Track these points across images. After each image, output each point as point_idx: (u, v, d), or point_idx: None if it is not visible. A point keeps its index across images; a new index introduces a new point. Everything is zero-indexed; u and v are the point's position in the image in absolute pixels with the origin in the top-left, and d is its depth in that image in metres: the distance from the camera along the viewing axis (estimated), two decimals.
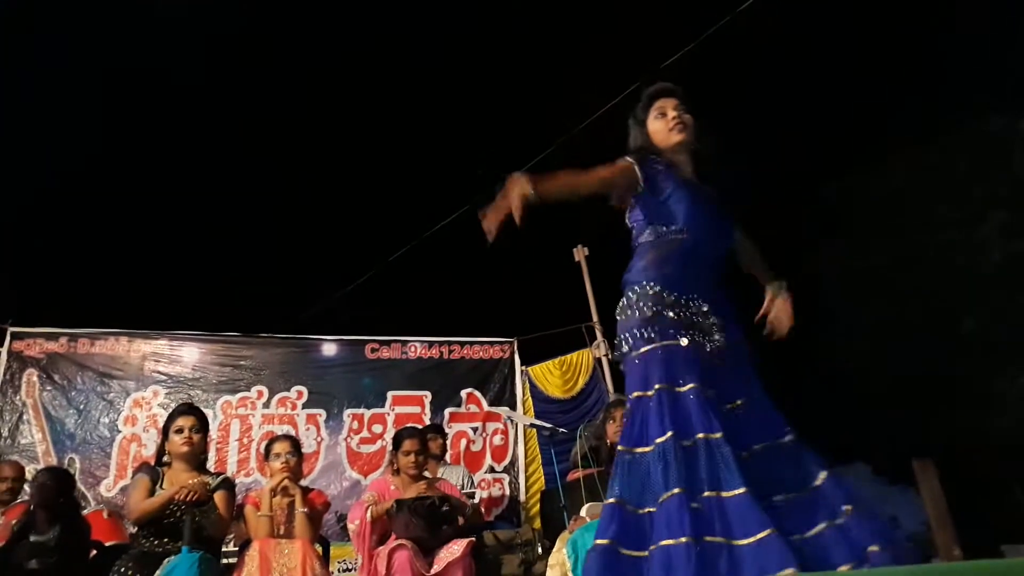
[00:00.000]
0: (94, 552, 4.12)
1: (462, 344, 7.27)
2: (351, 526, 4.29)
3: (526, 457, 6.90)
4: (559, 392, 7.11)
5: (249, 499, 4.05)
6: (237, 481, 4.83)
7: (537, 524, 6.29)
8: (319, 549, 3.94)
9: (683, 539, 1.97)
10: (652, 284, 2.40)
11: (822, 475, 2.24)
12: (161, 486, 3.73)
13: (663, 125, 2.66)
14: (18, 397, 6.08)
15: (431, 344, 7.18)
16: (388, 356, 7.04)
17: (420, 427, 5.36)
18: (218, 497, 3.76)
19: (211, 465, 4.69)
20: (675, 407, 2.22)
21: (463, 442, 6.80)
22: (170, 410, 4.36)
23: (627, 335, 2.41)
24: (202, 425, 3.98)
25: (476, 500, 5.57)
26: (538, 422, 6.20)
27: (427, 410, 6.84)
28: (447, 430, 6.51)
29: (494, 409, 6.97)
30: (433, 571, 3.88)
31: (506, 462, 6.85)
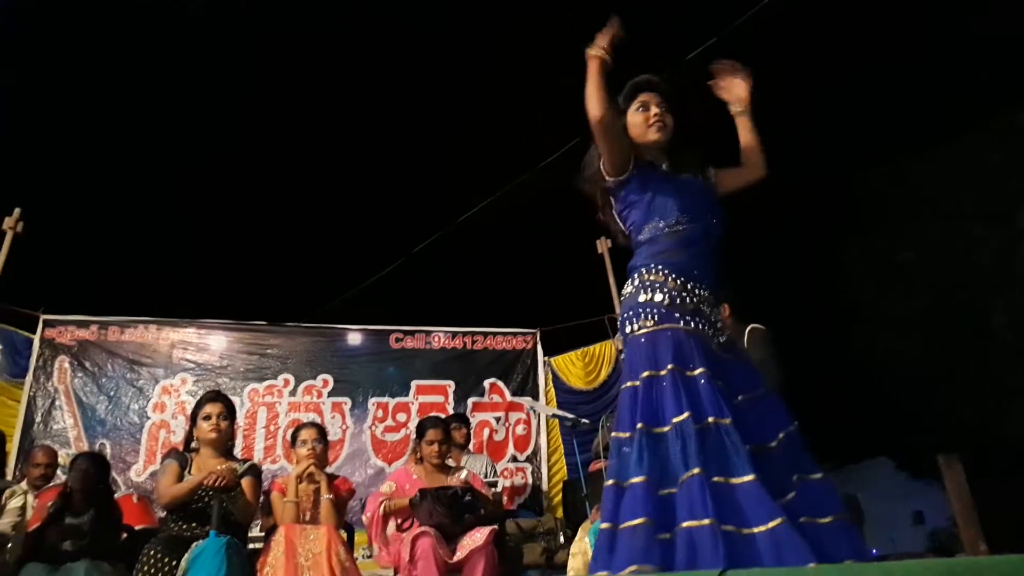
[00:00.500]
0: (125, 535, 4.21)
1: (485, 335, 7.30)
2: (364, 516, 4.35)
3: (548, 447, 6.93)
4: (581, 383, 7.13)
5: (275, 485, 4.11)
6: (264, 468, 4.89)
7: (559, 513, 6.32)
8: (344, 535, 3.99)
9: (707, 521, 1.96)
10: (659, 268, 2.39)
11: (815, 476, 2.21)
12: (189, 472, 3.79)
13: (642, 119, 2.59)
14: (50, 383, 6.20)
15: (455, 334, 7.22)
16: (412, 346, 7.09)
17: (444, 416, 5.41)
18: (245, 483, 3.82)
19: (238, 452, 4.77)
20: (688, 389, 2.19)
21: (486, 431, 6.84)
22: (198, 397, 4.43)
23: (631, 313, 2.37)
24: (229, 412, 4.04)
25: (499, 489, 5.60)
26: (560, 412, 6.22)
27: (450, 399, 6.89)
28: (470, 419, 6.55)
29: (517, 399, 7.00)
30: (456, 558, 3.92)
31: (528, 451, 6.89)
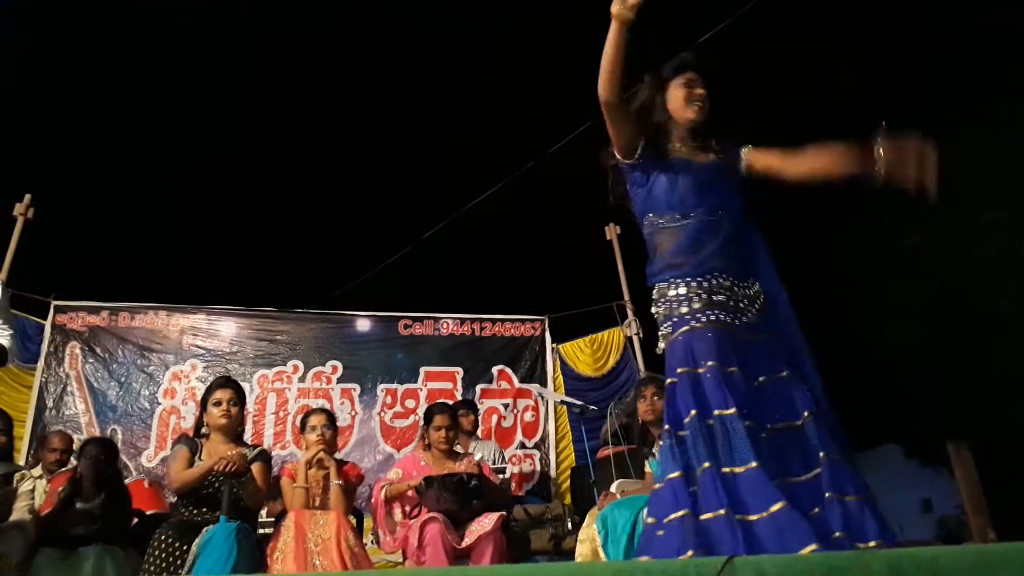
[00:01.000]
0: (136, 520, 4.24)
1: (494, 321, 7.31)
2: (371, 502, 4.37)
3: (557, 434, 6.94)
4: (590, 370, 7.13)
5: (285, 471, 4.12)
6: (273, 453, 4.92)
7: (567, 500, 6.34)
8: (353, 520, 4.01)
9: (722, 511, 2.02)
10: (673, 280, 2.44)
11: (838, 457, 2.24)
12: (199, 457, 3.81)
13: (684, 95, 2.60)
14: (62, 369, 6.24)
15: (463, 321, 7.23)
16: (421, 332, 7.11)
17: (452, 403, 5.42)
18: (255, 468, 3.84)
19: (248, 437, 4.79)
20: (696, 387, 2.27)
21: (494, 418, 6.86)
22: (208, 383, 4.45)
23: (661, 332, 2.46)
24: (239, 398, 4.06)
25: (507, 475, 5.62)
26: (568, 399, 6.23)
27: (459, 386, 6.91)
28: (478, 406, 6.57)
29: (525, 386, 7.01)
30: (464, 544, 3.94)
31: (537, 438, 6.90)
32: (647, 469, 4.12)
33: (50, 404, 6.09)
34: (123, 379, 6.34)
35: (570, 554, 4.57)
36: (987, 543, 4.77)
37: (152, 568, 3.42)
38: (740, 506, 2.04)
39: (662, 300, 2.47)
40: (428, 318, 7.18)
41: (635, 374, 6.78)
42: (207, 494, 3.69)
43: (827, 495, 2.11)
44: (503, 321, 7.32)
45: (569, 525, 5.16)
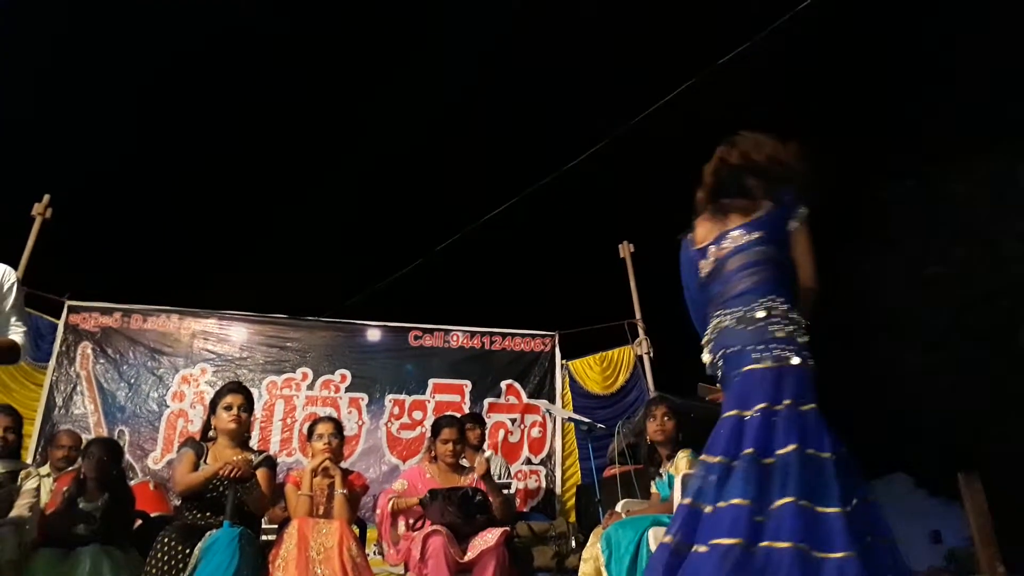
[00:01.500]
0: (139, 522, 4.24)
1: (504, 335, 7.31)
2: (376, 513, 4.36)
3: (563, 450, 6.92)
4: (598, 388, 7.11)
5: (290, 478, 4.12)
6: (279, 460, 4.92)
7: (572, 517, 6.32)
8: (356, 530, 3.99)
9: (788, 544, 2.09)
10: (781, 301, 2.50)
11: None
12: (205, 461, 3.82)
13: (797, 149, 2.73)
14: (73, 369, 6.27)
15: (473, 334, 7.23)
16: (431, 344, 7.11)
17: (459, 416, 5.40)
18: (260, 474, 3.84)
19: (254, 443, 4.80)
20: (800, 422, 2.35)
21: (501, 433, 6.84)
22: (217, 387, 4.46)
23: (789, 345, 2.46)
24: (249, 404, 4.07)
25: (512, 491, 5.59)
26: (576, 416, 6.20)
27: (467, 399, 6.90)
28: (486, 420, 6.55)
29: (533, 401, 7.00)
30: (467, 558, 3.91)
31: (543, 454, 6.88)
32: (653, 490, 4.10)
33: (59, 403, 6.12)
34: (133, 381, 6.36)
35: (573, 572, 4.55)
36: None
37: (154, 570, 3.41)
38: (817, 544, 2.07)
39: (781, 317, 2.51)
40: (438, 330, 7.19)
41: (644, 394, 6.76)
42: (211, 498, 3.69)
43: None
44: (513, 336, 7.32)
45: (573, 543, 5.13)
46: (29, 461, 5.25)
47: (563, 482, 6.79)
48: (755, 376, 2.39)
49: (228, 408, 3.96)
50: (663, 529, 3.46)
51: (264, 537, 4.06)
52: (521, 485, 6.60)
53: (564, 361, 7.29)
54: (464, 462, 4.68)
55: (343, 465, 4.28)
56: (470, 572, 3.92)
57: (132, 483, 5.21)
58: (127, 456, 5.77)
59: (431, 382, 6.92)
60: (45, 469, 4.56)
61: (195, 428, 5.85)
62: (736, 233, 2.63)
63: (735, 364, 2.47)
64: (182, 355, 6.57)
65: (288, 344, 6.83)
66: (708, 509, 2.26)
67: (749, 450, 2.25)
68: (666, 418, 4.09)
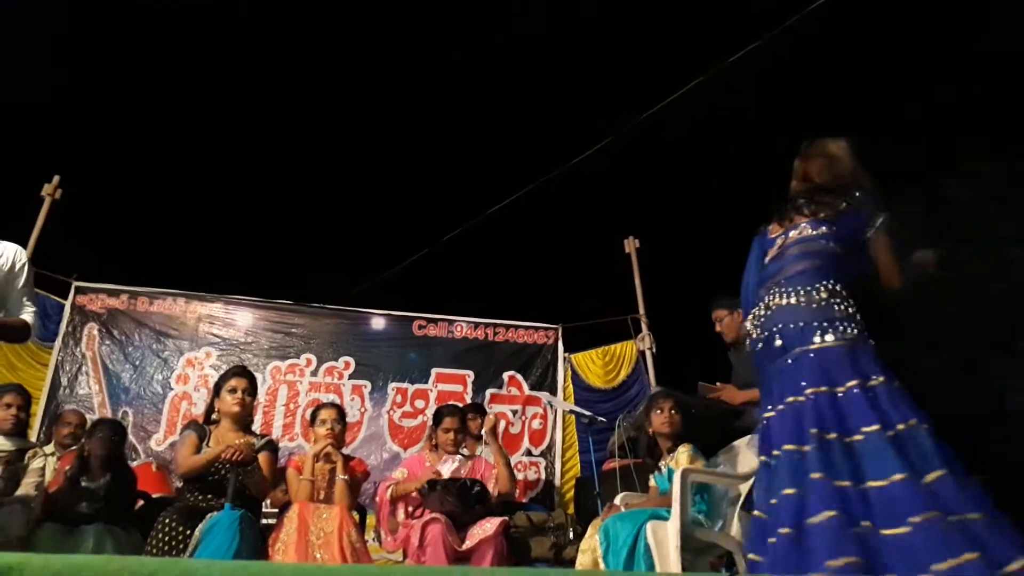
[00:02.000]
0: (141, 502, 4.28)
1: (507, 327, 7.33)
2: (376, 500, 4.39)
3: (564, 443, 6.94)
4: (600, 381, 7.12)
5: (292, 463, 4.15)
6: (281, 445, 4.96)
7: (571, 509, 6.34)
8: (356, 516, 4.02)
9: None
10: (842, 285, 2.60)
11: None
12: (208, 444, 3.85)
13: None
14: (79, 349, 6.31)
15: (477, 325, 7.25)
16: (435, 334, 7.14)
17: (461, 405, 5.43)
18: (262, 458, 3.87)
19: (257, 427, 4.82)
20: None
21: (502, 423, 6.86)
22: (222, 371, 4.49)
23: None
24: (252, 388, 4.11)
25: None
26: (577, 409, 6.22)
27: (469, 389, 6.92)
28: (488, 410, 6.58)
29: (535, 393, 7.02)
30: (465, 546, 3.94)
31: (543, 446, 6.90)
32: (652, 483, 4.12)
33: (64, 383, 6.16)
34: (138, 362, 6.40)
35: (570, 563, 4.57)
36: None
37: (154, 551, 3.44)
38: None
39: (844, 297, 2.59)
40: (443, 320, 7.21)
41: (645, 388, 6.77)
42: (213, 481, 3.72)
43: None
44: (517, 327, 7.34)
45: (571, 535, 5.16)
46: (35, 440, 5.28)
47: (563, 474, 6.82)
48: (835, 352, 2.45)
49: (232, 391, 3.99)
50: (661, 523, 3.49)
51: (265, 520, 4.09)
52: (521, 476, 6.62)
53: (567, 354, 7.30)
54: (464, 451, 4.71)
55: (345, 451, 4.31)
56: (468, 560, 3.95)
57: (135, 464, 5.26)
58: (130, 437, 5.81)
59: (434, 371, 6.95)
60: (49, 448, 4.60)
61: (198, 411, 5.88)
62: (805, 225, 2.77)
63: (798, 340, 2.53)
64: (187, 338, 6.60)
65: (293, 330, 6.86)
66: (817, 478, 2.25)
67: (874, 426, 2.26)
68: (673, 412, 4.11)
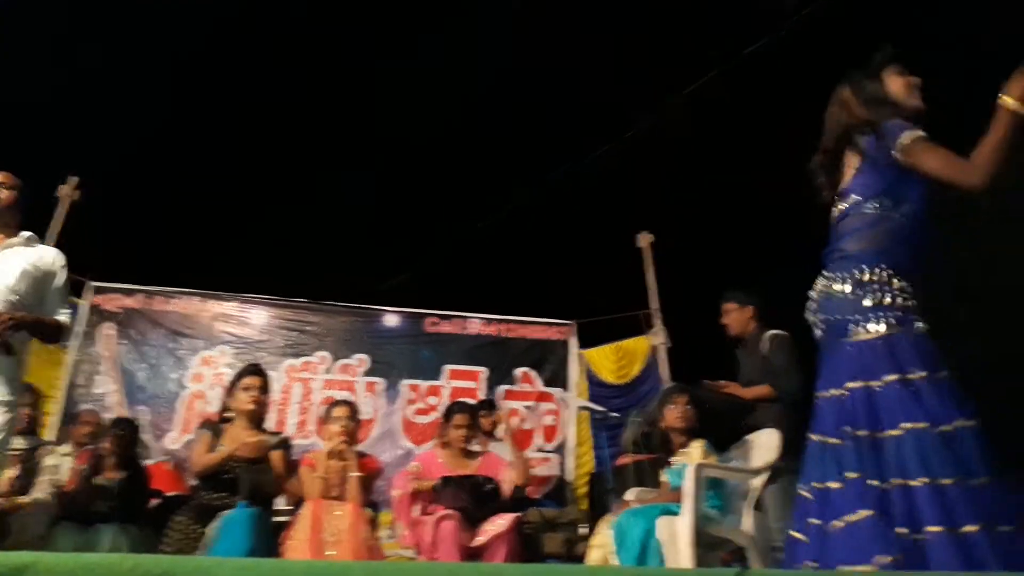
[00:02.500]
0: (156, 501, 4.32)
1: (521, 323, 7.32)
2: (394, 493, 4.40)
3: (577, 439, 6.92)
4: (613, 377, 7.09)
5: (305, 460, 4.17)
6: (294, 443, 4.99)
7: (584, 505, 6.33)
8: (369, 513, 4.04)
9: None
10: (884, 268, 2.37)
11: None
12: (222, 442, 3.88)
13: (905, 85, 2.54)
14: (95, 349, 6.35)
15: (490, 321, 7.25)
16: (447, 331, 7.14)
17: (473, 402, 5.44)
18: (275, 456, 3.90)
19: (271, 425, 4.85)
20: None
21: (515, 420, 6.85)
22: (237, 370, 4.52)
23: (860, 316, 2.36)
24: (266, 387, 4.16)
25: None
26: (591, 405, 6.21)
27: (482, 386, 6.92)
28: (500, 406, 6.58)
29: (548, 389, 7.01)
30: (477, 542, 3.96)
31: (556, 442, 6.88)
32: (663, 478, 4.11)
33: (81, 382, 6.20)
34: (153, 361, 6.44)
35: (582, 559, 4.57)
36: None
37: (169, 549, 3.48)
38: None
39: (873, 283, 2.38)
40: (455, 317, 7.21)
41: (658, 384, 6.74)
42: (226, 479, 3.76)
43: None
44: (530, 324, 7.33)
45: (583, 530, 5.16)
46: (50, 438, 5.33)
47: (576, 470, 6.81)
48: (872, 346, 2.32)
49: (247, 389, 4.03)
50: (673, 518, 3.49)
51: (278, 518, 4.12)
52: (534, 472, 6.62)
53: (580, 350, 7.29)
54: (476, 447, 4.72)
55: (358, 448, 4.33)
56: (480, 557, 3.96)
57: (150, 463, 5.31)
58: (146, 436, 5.85)
59: (447, 368, 6.96)
60: (65, 447, 4.65)
61: (213, 410, 5.92)
62: (845, 192, 2.53)
63: (840, 332, 2.40)
64: (203, 337, 6.64)
65: (307, 328, 6.88)
66: (836, 485, 2.21)
67: (921, 423, 2.16)
68: (687, 406, 4.10)
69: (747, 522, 3.72)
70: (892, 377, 2.25)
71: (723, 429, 4.29)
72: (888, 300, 2.34)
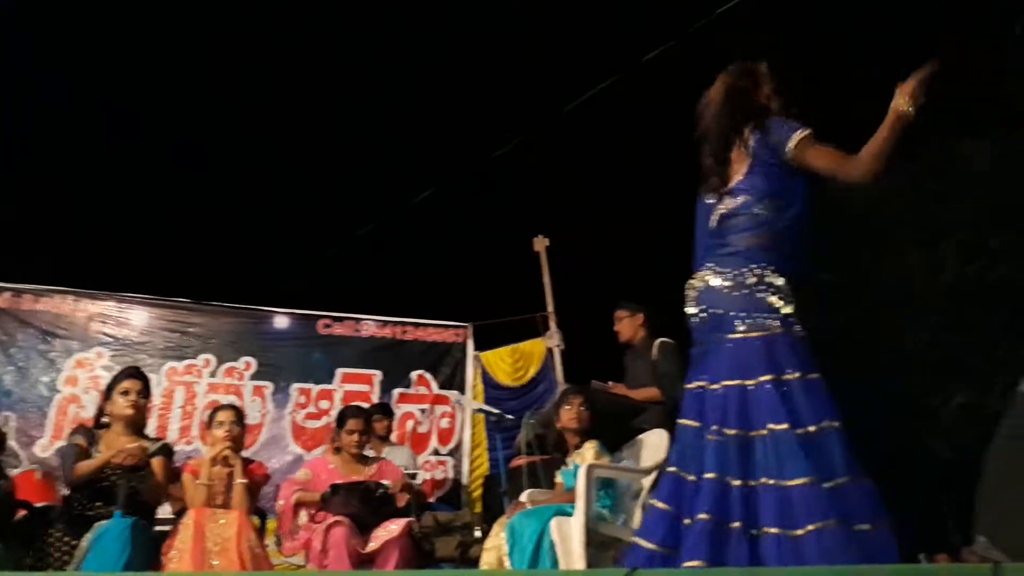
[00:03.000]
0: (23, 513, 4.05)
1: (416, 326, 7.26)
2: (278, 503, 4.30)
3: (472, 441, 6.92)
4: (509, 380, 7.14)
5: (188, 467, 4.00)
6: (177, 448, 4.77)
7: (478, 508, 6.34)
8: (256, 521, 3.92)
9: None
10: (768, 268, 2.46)
11: None
12: (98, 449, 3.69)
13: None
14: None
15: (385, 324, 7.15)
16: (341, 333, 7.00)
17: (366, 406, 5.36)
18: (155, 463, 3.74)
19: (152, 431, 4.65)
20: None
21: (410, 423, 6.80)
22: (115, 372, 4.31)
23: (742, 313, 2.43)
24: (146, 390, 3.98)
25: (419, 481, 5.57)
26: (486, 407, 6.23)
27: (376, 389, 6.82)
28: (395, 410, 6.51)
29: (444, 392, 6.98)
30: (369, 548, 3.90)
31: (451, 445, 6.87)
32: (558, 479, 4.16)
33: None
34: (21, 364, 6.04)
35: (476, 562, 4.56)
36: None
37: (39, 564, 3.28)
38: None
39: (768, 286, 2.46)
40: (349, 319, 7.08)
41: (554, 386, 6.82)
42: (103, 488, 3.57)
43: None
44: (426, 326, 7.28)
45: (477, 533, 5.16)
46: None
47: (471, 473, 6.81)
48: (751, 345, 2.38)
49: (125, 393, 3.85)
50: (566, 519, 3.53)
51: (159, 528, 3.94)
52: (429, 476, 6.58)
53: (476, 352, 7.29)
54: (370, 452, 4.65)
55: (244, 454, 4.19)
56: (372, 563, 3.90)
57: (16, 472, 4.98)
58: (12, 443, 5.49)
59: (340, 371, 6.82)
60: None
61: (88, 415, 5.61)
62: (736, 190, 2.57)
63: (719, 327, 2.45)
64: (77, 338, 6.28)
65: (190, 329, 6.61)
66: (692, 478, 2.31)
67: (783, 424, 2.24)
68: (583, 408, 4.16)
69: (638, 521, 3.80)
70: (767, 377, 2.33)
71: (614, 430, 4.38)
72: (771, 300, 2.42)
